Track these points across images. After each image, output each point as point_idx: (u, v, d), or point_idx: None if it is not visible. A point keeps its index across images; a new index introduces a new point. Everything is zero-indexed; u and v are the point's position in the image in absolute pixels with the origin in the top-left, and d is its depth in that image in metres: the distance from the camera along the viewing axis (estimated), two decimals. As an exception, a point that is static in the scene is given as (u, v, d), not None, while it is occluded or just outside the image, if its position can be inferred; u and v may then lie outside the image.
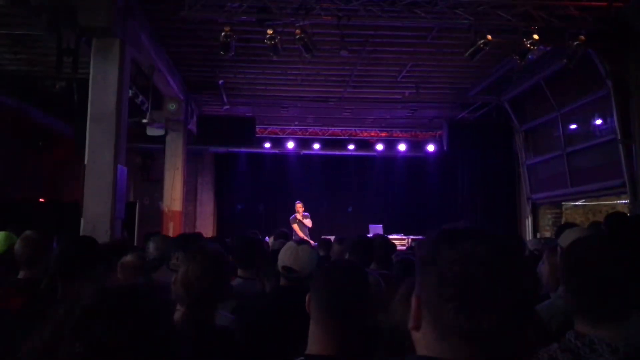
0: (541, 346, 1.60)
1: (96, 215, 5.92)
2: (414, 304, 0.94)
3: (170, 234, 9.84)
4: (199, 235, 2.39)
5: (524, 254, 1.01)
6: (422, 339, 0.92)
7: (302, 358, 1.65)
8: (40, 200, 11.89)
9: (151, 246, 3.94)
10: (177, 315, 1.96)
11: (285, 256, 2.82)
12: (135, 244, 8.77)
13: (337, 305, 1.67)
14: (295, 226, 10.56)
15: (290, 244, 2.95)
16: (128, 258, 2.95)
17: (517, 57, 7.34)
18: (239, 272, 3.59)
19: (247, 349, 2.04)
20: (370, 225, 12.11)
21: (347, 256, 4.05)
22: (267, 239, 7.89)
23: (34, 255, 2.90)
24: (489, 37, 6.90)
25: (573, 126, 9.97)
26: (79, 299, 0.98)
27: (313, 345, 1.67)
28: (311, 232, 10.68)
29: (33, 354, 0.93)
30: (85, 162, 6.10)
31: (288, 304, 2.67)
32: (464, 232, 0.94)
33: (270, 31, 6.68)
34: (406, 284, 1.55)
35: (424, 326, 0.92)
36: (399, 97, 11.19)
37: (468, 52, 7.19)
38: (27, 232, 3.06)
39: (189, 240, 2.75)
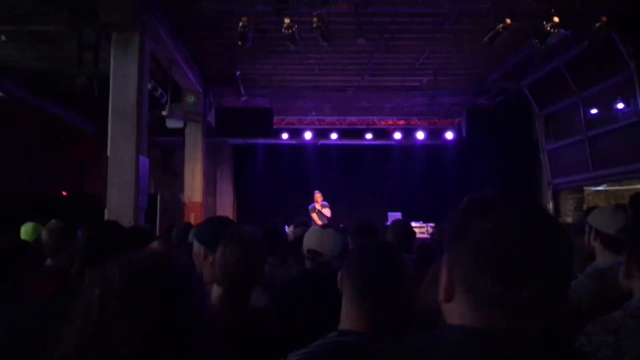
0: (572, 327, 1.59)
1: (119, 207, 6.03)
2: (445, 276, 0.93)
3: (192, 225, 9.95)
4: (227, 219, 2.42)
5: (558, 221, 1.00)
6: (455, 311, 0.92)
7: (337, 333, 1.68)
8: (63, 193, 12.11)
9: (175, 233, 3.99)
10: (214, 295, 2.01)
11: (310, 240, 2.85)
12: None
13: (370, 284, 1.69)
14: (314, 215, 10.60)
15: (315, 227, 2.98)
16: (155, 244, 3.01)
17: (537, 41, 7.25)
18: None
19: (281, 328, 2.07)
20: (389, 213, 12.12)
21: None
22: (286, 228, 7.93)
23: (60, 244, 2.99)
24: (508, 21, 6.82)
25: (594, 110, 9.82)
26: (109, 279, 0.92)
27: (346, 322, 1.69)
28: (330, 221, 10.70)
29: (66, 346, 0.87)
30: (108, 154, 6.20)
31: (315, 286, 2.71)
32: (494, 202, 0.93)
33: (287, 20, 6.69)
34: (434, 268, 1.56)
35: (457, 298, 0.91)
36: (417, 84, 11.13)
37: (487, 37, 7.11)
38: (52, 222, 3.17)
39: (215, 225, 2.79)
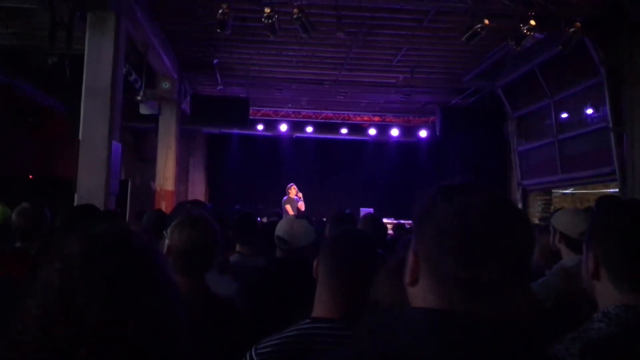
0: (537, 321, 1.61)
1: (90, 191, 5.91)
2: (411, 259, 0.94)
3: (162, 213, 9.83)
4: (200, 202, 2.40)
5: (520, 209, 1.01)
6: (419, 293, 0.92)
7: (309, 320, 1.69)
8: (30, 176, 11.81)
9: (145, 218, 3.96)
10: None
11: (281, 227, 2.87)
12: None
13: (347, 271, 1.70)
14: (288, 207, 10.57)
15: (289, 217, 3.00)
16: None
17: (513, 43, 7.36)
18: (237, 247, 3.61)
19: (249, 316, 2.07)
20: (361, 208, 12.16)
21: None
22: (258, 220, 7.91)
23: (30, 226, 2.95)
24: (487, 21, 6.91)
25: (565, 114, 10.04)
26: (69, 251, 0.90)
27: (319, 308, 1.70)
28: (302, 214, 10.69)
29: (27, 319, 0.85)
30: (80, 137, 6.07)
31: (283, 273, 2.73)
32: (460, 187, 0.95)
33: (267, 10, 6.64)
34: (392, 260, 1.58)
35: (421, 281, 0.92)
36: (394, 81, 11.19)
37: (465, 36, 7.19)
38: (23, 204, 3.11)
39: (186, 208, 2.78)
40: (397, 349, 0.86)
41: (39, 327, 0.85)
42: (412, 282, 0.94)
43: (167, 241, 2.03)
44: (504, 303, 0.87)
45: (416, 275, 0.93)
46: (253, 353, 1.62)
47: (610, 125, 8.00)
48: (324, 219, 7.00)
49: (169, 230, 2.02)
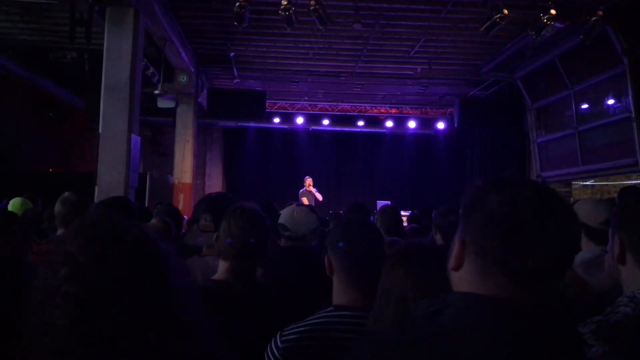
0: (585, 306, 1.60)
1: (110, 184, 5.97)
2: (457, 246, 0.97)
3: (180, 206, 9.91)
4: (225, 195, 2.44)
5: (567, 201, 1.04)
6: (463, 278, 0.96)
7: (332, 308, 1.71)
8: (50, 170, 11.98)
9: (156, 211, 3.99)
10: (222, 268, 2.01)
11: (283, 215, 2.90)
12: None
13: (360, 258, 1.72)
14: (304, 199, 10.60)
15: (292, 205, 3.01)
16: (154, 222, 3.01)
17: (533, 33, 7.25)
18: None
19: (281, 301, 2.10)
20: (378, 201, 12.13)
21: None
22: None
23: (70, 215, 3.03)
24: (506, 11, 6.81)
25: (586, 104, 9.88)
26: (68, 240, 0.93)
27: (339, 297, 1.73)
28: (319, 207, 10.71)
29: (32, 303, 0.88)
30: (100, 131, 6.13)
31: (288, 261, 2.73)
32: (510, 179, 0.97)
33: (284, 2, 6.62)
34: (394, 250, 1.59)
35: (466, 267, 0.95)
36: (411, 72, 11.11)
37: (483, 27, 7.10)
38: (66, 194, 3.20)
39: (217, 201, 2.80)
40: (444, 332, 0.89)
41: (39, 313, 0.87)
42: (457, 268, 0.97)
43: (219, 231, 2.06)
44: (550, 289, 0.91)
45: (461, 261, 0.96)
46: (278, 340, 1.65)
47: (633, 115, 7.87)
48: (340, 212, 6.98)
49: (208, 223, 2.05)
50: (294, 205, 2.98)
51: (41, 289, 0.88)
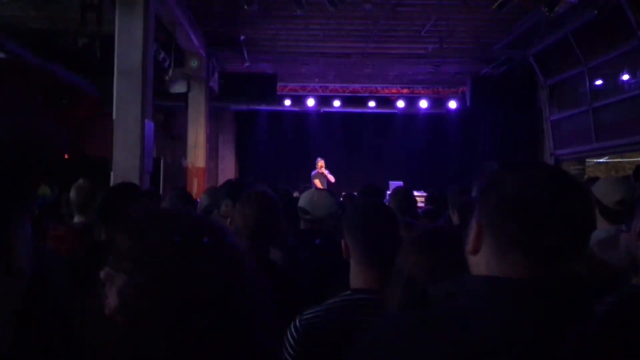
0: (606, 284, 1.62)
1: (126, 170, 6.03)
2: (474, 229, 0.99)
3: (195, 189, 10.00)
4: (244, 181, 2.51)
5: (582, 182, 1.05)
6: (481, 261, 0.97)
7: (350, 292, 1.74)
8: (66, 156, 12.09)
9: (204, 196, 4.06)
10: None
11: (303, 198, 2.96)
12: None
13: (377, 244, 1.74)
14: (317, 181, 10.64)
15: (311, 189, 3.08)
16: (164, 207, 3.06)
17: (546, 9, 7.15)
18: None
19: (298, 285, 2.14)
20: (390, 182, 12.14)
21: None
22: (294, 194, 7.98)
23: (85, 202, 3.05)
24: (518, -13, 6.72)
25: (600, 81, 9.76)
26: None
27: (356, 280, 1.76)
28: (331, 188, 10.75)
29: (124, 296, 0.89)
30: (114, 117, 6.18)
31: (306, 244, 2.79)
32: (525, 162, 1.01)
33: (294, -17, 6.59)
34: (416, 231, 1.60)
35: (484, 249, 0.97)
36: (422, 52, 11.01)
37: (496, 4, 7.02)
38: (80, 181, 3.22)
39: (237, 187, 2.86)
40: (462, 313, 0.91)
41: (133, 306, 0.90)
42: (474, 251, 0.99)
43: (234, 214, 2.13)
44: (566, 268, 0.91)
45: (478, 244, 0.98)
46: (297, 322, 1.68)
47: (649, 91, 7.76)
48: (355, 193, 7.01)
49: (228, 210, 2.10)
50: (313, 189, 3.03)
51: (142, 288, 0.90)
